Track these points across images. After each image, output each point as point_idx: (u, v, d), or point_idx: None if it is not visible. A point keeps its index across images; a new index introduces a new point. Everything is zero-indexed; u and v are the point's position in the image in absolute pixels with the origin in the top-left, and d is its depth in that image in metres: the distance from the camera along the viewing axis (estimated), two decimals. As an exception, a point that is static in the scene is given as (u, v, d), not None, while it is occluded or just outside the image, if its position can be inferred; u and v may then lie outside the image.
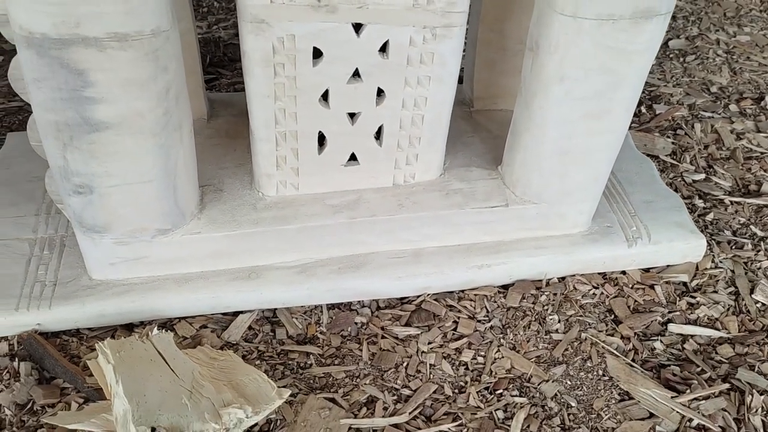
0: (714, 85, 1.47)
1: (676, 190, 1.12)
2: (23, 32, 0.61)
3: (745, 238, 1.03)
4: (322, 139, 0.81)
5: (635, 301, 0.90)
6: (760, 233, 1.04)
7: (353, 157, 0.84)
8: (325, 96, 0.77)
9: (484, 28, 0.95)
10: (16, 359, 0.76)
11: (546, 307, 0.88)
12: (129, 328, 0.82)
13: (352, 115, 0.79)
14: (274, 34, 0.70)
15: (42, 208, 0.91)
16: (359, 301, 0.87)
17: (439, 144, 0.86)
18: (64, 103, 0.65)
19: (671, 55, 1.57)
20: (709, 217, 1.06)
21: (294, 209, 0.84)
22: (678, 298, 0.91)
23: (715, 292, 0.92)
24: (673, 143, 1.25)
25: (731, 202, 1.10)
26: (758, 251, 0.99)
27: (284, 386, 0.75)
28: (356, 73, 0.75)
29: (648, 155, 1.19)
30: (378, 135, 0.82)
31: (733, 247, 1.00)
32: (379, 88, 0.77)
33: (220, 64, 1.43)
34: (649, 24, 0.72)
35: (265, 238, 0.83)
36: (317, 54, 0.73)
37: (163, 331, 0.77)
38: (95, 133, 0.68)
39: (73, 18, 0.60)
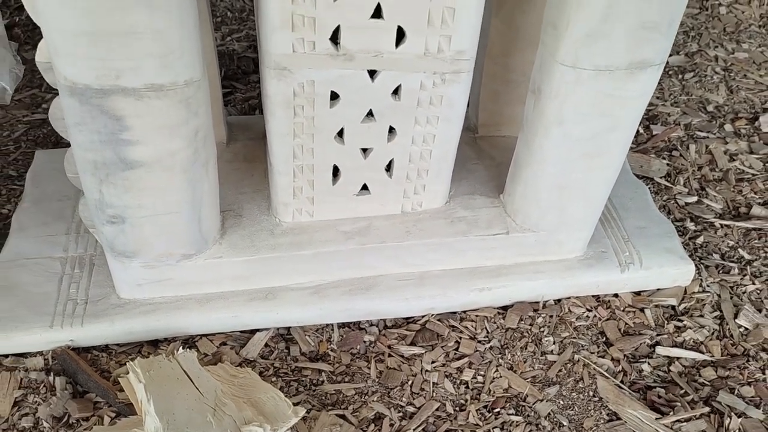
0: (710, 103, 1.52)
1: (669, 213, 1.18)
2: (67, 82, 0.66)
3: (733, 261, 1.08)
4: (336, 171, 0.87)
5: (626, 323, 0.96)
6: (747, 256, 1.10)
7: (365, 187, 0.89)
8: (340, 133, 0.82)
9: (490, 62, 1.00)
10: (52, 373, 0.83)
11: (542, 329, 0.94)
12: (154, 344, 0.88)
13: (364, 150, 0.85)
14: (295, 80, 0.75)
15: (72, 227, 0.96)
16: (368, 320, 0.93)
17: (445, 175, 0.91)
18: (102, 144, 0.71)
19: (670, 72, 1.62)
20: (700, 240, 1.12)
21: (309, 235, 0.90)
22: (666, 322, 0.97)
23: (702, 316, 0.98)
24: (668, 164, 1.30)
25: (721, 225, 1.16)
26: (744, 275, 1.05)
27: (298, 403, 0.82)
28: (370, 113, 0.81)
29: (644, 177, 1.25)
30: (388, 168, 0.88)
31: (721, 272, 1.05)
32: (390, 127, 0.83)
33: (234, 77, 1.48)
34: (643, 74, 0.77)
35: (281, 262, 0.89)
36: (334, 96, 0.78)
37: (188, 350, 0.83)
38: (129, 170, 0.73)
39: (114, 71, 0.65)
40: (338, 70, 0.75)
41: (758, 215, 1.19)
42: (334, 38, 0.73)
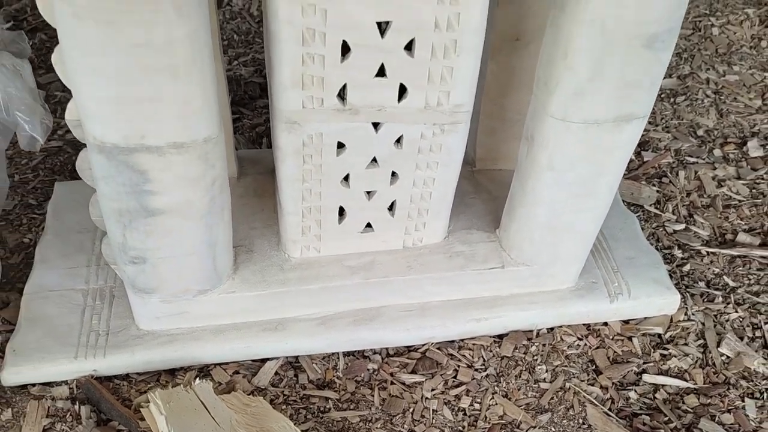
0: (701, 128, 1.58)
1: (658, 240, 1.23)
2: (96, 141, 0.72)
3: (718, 288, 1.14)
4: (342, 211, 0.92)
5: (614, 352, 1.02)
6: (732, 283, 1.15)
7: (369, 226, 0.95)
8: (346, 178, 0.88)
9: (487, 101, 1.06)
10: (77, 402, 0.88)
11: (535, 357, 1.00)
12: (171, 372, 0.94)
13: (369, 193, 0.91)
14: (304, 132, 0.81)
15: (92, 260, 1.02)
16: (372, 349, 0.99)
17: (444, 213, 0.97)
18: (127, 195, 0.77)
19: (663, 96, 1.67)
20: (686, 267, 1.18)
21: (316, 270, 0.95)
22: (653, 350, 1.02)
23: (686, 344, 1.04)
24: (658, 191, 1.36)
25: (707, 252, 1.22)
26: (728, 303, 1.11)
27: (306, 430, 0.87)
28: (374, 160, 0.86)
29: (634, 205, 1.31)
30: (391, 208, 0.93)
31: (705, 300, 1.11)
32: (393, 171, 0.88)
33: (241, 102, 1.54)
34: (629, 125, 0.83)
35: (290, 296, 0.94)
36: (341, 146, 0.84)
37: (204, 380, 0.89)
38: (151, 217, 0.79)
39: (139, 132, 0.71)
40: (344, 123, 0.81)
41: (743, 242, 1.25)
42: (341, 95, 0.79)
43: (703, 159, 1.48)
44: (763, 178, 1.43)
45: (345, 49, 0.75)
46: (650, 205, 1.32)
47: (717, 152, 1.50)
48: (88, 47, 0.64)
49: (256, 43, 1.74)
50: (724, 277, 1.17)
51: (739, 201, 1.36)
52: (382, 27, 0.74)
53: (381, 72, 0.77)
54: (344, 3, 0.71)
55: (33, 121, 0.80)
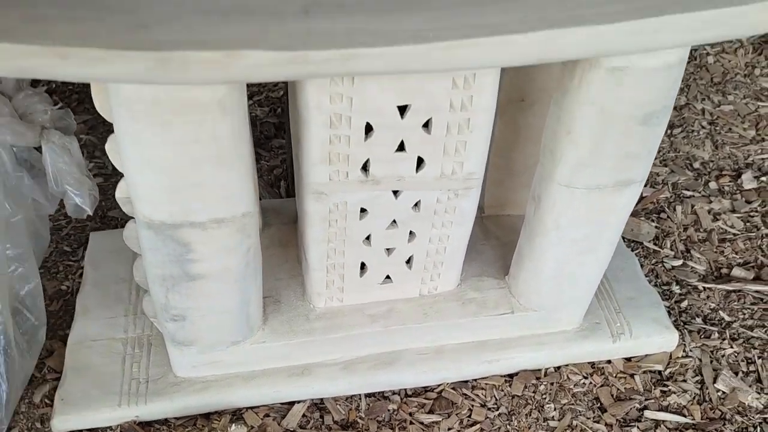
0: (697, 160, 1.65)
1: (657, 277, 1.31)
2: (145, 219, 0.80)
3: (714, 324, 1.21)
4: (363, 266, 1.00)
5: (618, 389, 1.09)
6: (727, 318, 1.23)
7: (388, 277, 1.02)
8: (368, 238, 0.95)
9: (495, 155, 1.13)
10: (122, 448, 0.96)
11: (544, 396, 1.07)
12: (207, 416, 1.02)
13: (388, 250, 0.98)
14: (330, 201, 0.88)
15: (129, 309, 1.10)
16: (391, 390, 1.07)
17: (457, 264, 1.04)
18: (171, 263, 0.84)
19: (660, 128, 1.74)
20: (684, 303, 1.25)
21: (339, 320, 1.03)
22: (653, 386, 1.10)
23: (684, 380, 1.11)
24: (656, 227, 1.43)
25: (704, 288, 1.29)
26: (723, 339, 1.18)
27: (335, 471, 0.95)
28: (393, 222, 0.94)
29: (634, 242, 1.38)
30: (408, 261, 1.01)
31: (702, 336, 1.18)
32: (411, 231, 0.96)
33: (258, 143, 1.61)
34: (628, 189, 0.90)
35: (316, 344, 1.02)
36: (363, 210, 0.91)
37: (238, 424, 0.96)
38: (192, 281, 0.87)
39: (185, 211, 0.78)
40: (367, 192, 0.88)
41: (737, 277, 1.32)
42: (364, 167, 0.86)
43: (699, 192, 1.55)
44: (757, 211, 1.50)
45: (368, 128, 0.82)
46: (649, 242, 1.39)
47: (713, 185, 1.57)
48: (143, 143, 0.72)
49: (269, 83, 1.81)
50: (720, 311, 1.24)
51: (734, 235, 1.43)
52: (402, 109, 0.81)
53: (401, 147, 0.85)
54: (368, 91, 0.78)
55: (82, 194, 0.88)
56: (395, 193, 0.90)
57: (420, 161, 0.87)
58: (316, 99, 0.78)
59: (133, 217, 0.84)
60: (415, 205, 0.92)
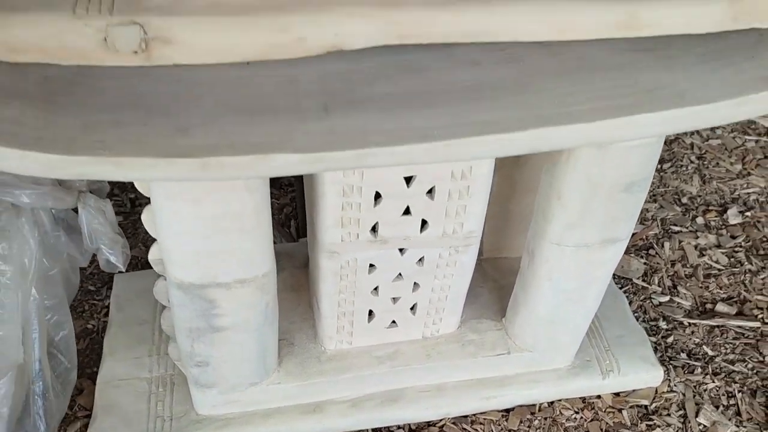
0: (685, 195, 1.73)
1: (645, 313, 1.39)
2: (176, 280, 0.88)
3: (698, 358, 1.30)
4: (371, 313, 1.08)
5: (607, 423, 1.17)
6: (710, 353, 1.31)
7: (393, 322, 1.11)
8: (375, 289, 1.04)
9: (492, 205, 1.20)
10: (150, 482, 1.04)
11: (538, 430, 1.15)
12: (226, 451, 1.10)
13: (394, 299, 1.06)
14: (342, 258, 0.97)
15: (153, 350, 1.18)
16: (396, 425, 1.15)
17: (458, 309, 1.13)
18: (197, 317, 0.93)
19: (650, 163, 1.82)
20: (670, 339, 1.33)
21: (348, 361, 1.11)
22: (640, 421, 1.18)
23: (669, 415, 1.19)
24: (645, 263, 1.52)
25: (689, 323, 1.37)
26: (706, 374, 1.27)
27: (346, 503, 1.03)
28: (399, 275, 1.02)
29: (624, 278, 1.46)
30: (413, 308, 1.09)
31: (686, 371, 1.27)
32: (415, 282, 1.04)
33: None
34: (613, 246, 0.99)
35: (327, 384, 1.10)
36: (372, 266, 1.00)
37: (256, 460, 1.04)
38: (216, 333, 0.95)
39: (212, 273, 0.87)
40: (376, 251, 0.97)
41: (721, 312, 1.41)
42: (373, 229, 0.95)
43: (687, 227, 1.63)
44: (741, 246, 1.59)
45: (377, 195, 0.91)
46: (638, 278, 1.47)
47: (699, 220, 1.65)
48: (177, 216, 0.80)
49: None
50: (704, 346, 1.33)
51: (719, 270, 1.52)
52: (408, 179, 0.90)
53: (407, 211, 0.93)
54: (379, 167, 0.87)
55: (115, 252, 0.96)
56: (401, 250, 0.99)
57: (424, 223, 0.96)
58: (332, 174, 0.86)
59: (162, 276, 0.92)
60: (420, 260, 1.01)
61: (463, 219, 0.96)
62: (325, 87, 0.72)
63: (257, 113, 0.69)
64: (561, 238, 0.97)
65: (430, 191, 0.92)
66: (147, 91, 0.67)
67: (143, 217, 0.86)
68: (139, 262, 1.41)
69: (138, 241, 1.47)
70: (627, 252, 1.56)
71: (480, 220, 0.98)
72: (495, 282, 1.25)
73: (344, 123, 0.69)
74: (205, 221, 0.81)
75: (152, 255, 0.91)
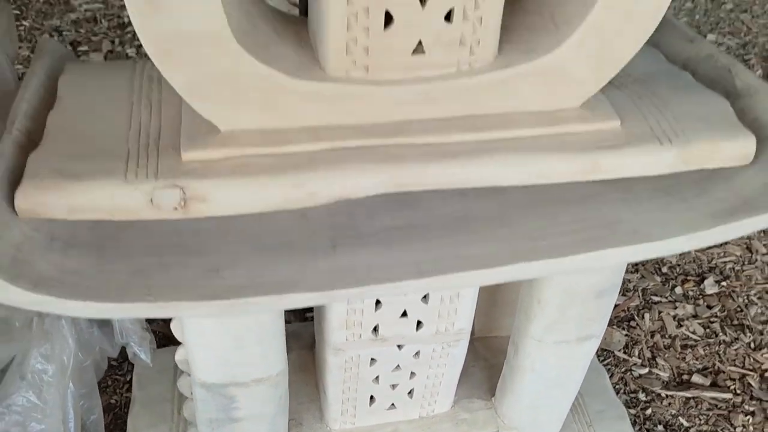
0: (665, 264, 1.85)
1: (625, 384, 1.50)
2: (200, 381, 1.00)
3: (674, 429, 1.41)
4: (372, 398, 1.20)
5: (588, 495, 1.28)
6: (685, 424, 1.42)
7: (392, 405, 1.22)
8: (376, 378, 1.15)
9: (482, 293, 1.33)
10: None
11: (525, 502, 1.26)
12: None
13: (393, 386, 1.18)
14: (347, 354, 1.09)
15: (173, 427, 1.29)
16: (395, 498, 1.26)
17: (451, 391, 1.24)
18: (217, 410, 1.04)
19: (633, 232, 1.95)
20: (648, 411, 1.44)
21: (352, 440, 1.23)
22: (618, 492, 1.29)
23: (645, 487, 1.30)
24: (626, 335, 1.63)
25: (666, 395, 1.49)
26: (680, 446, 1.38)
27: None
28: (397, 366, 1.14)
29: (606, 350, 1.58)
30: (410, 393, 1.21)
31: (662, 444, 1.38)
32: (412, 372, 1.16)
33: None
34: (588, 342, 1.11)
35: (332, 462, 1.21)
36: (373, 360, 1.12)
37: None
38: (234, 423, 1.06)
39: (232, 375, 0.99)
40: (376, 348, 1.09)
41: (696, 383, 1.52)
42: (374, 330, 1.07)
43: (666, 297, 1.75)
44: (716, 316, 1.71)
45: (377, 302, 1.03)
46: (619, 350, 1.59)
47: (678, 290, 1.77)
48: (203, 333, 0.92)
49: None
50: (680, 417, 1.44)
51: (695, 341, 1.63)
52: (405, 288, 1.02)
53: (404, 314, 1.05)
54: (378, 278, 0.99)
55: (144, 348, 1.08)
56: (399, 346, 1.10)
57: (419, 323, 1.07)
58: (337, 284, 0.99)
59: (186, 372, 1.04)
60: (416, 354, 1.13)
61: (454, 319, 1.08)
62: (333, 221, 0.84)
63: (275, 251, 0.82)
64: (542, 336, 1.09)
65: (425, 297, 1.04)
66: (184, 236, 0.80)
67: (172, 325, 0.98)
68: (157, 337, 1.53)
69: (158, 318, 1.58)
70: (610, 324, 1.67)
71: (469, 319, 1.10)
72: (486, 361, 1.37)
73: (349, 260, 0.81)
74: (227, 335, 0.93)
75: (179, 356, 1.02)
